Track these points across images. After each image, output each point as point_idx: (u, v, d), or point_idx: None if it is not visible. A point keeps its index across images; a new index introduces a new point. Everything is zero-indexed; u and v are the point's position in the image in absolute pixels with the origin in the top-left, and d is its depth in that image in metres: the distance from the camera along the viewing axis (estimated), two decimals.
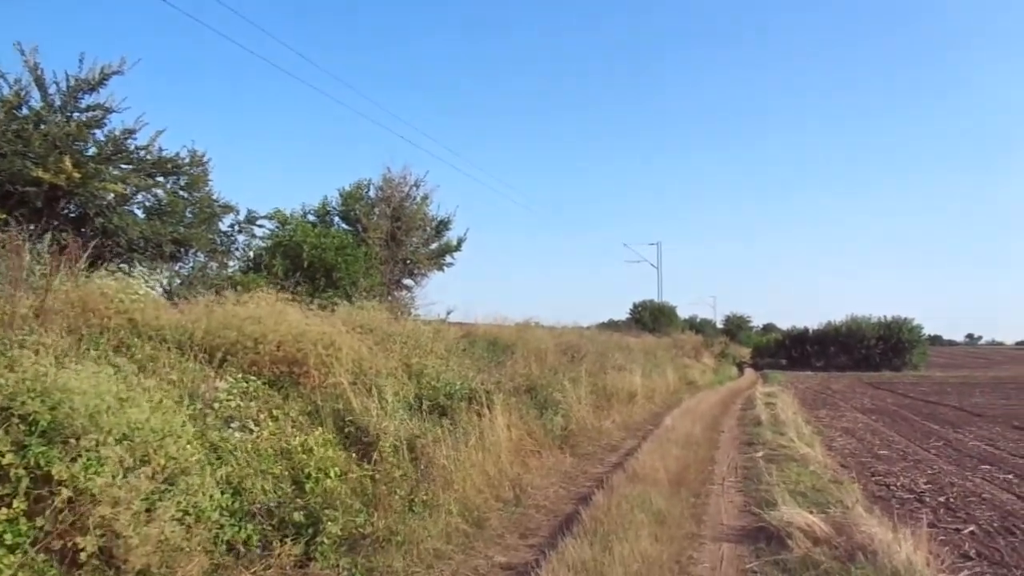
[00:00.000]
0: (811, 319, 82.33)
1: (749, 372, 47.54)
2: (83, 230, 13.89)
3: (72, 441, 3.71)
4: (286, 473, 5.38)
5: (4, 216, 10.64)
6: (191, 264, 17.27)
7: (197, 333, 7.01)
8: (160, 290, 16.16)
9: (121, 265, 7.30)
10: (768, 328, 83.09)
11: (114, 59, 13.43)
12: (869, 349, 48.62)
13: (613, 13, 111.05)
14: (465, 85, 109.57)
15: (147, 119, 14.11)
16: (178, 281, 16.45)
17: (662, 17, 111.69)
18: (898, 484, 9.56)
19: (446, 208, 23.86)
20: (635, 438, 13.03)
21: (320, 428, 6.52)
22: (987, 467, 10.60)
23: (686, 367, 33.16)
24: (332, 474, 5.58)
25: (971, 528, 7.13)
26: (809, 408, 20.87)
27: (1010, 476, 9.86)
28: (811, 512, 6.72)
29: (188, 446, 4.49)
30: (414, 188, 23.03)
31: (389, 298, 20.00)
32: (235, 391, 6.22)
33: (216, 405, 5.80)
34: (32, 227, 11.44)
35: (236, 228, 18.57)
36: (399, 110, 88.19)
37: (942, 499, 8.54)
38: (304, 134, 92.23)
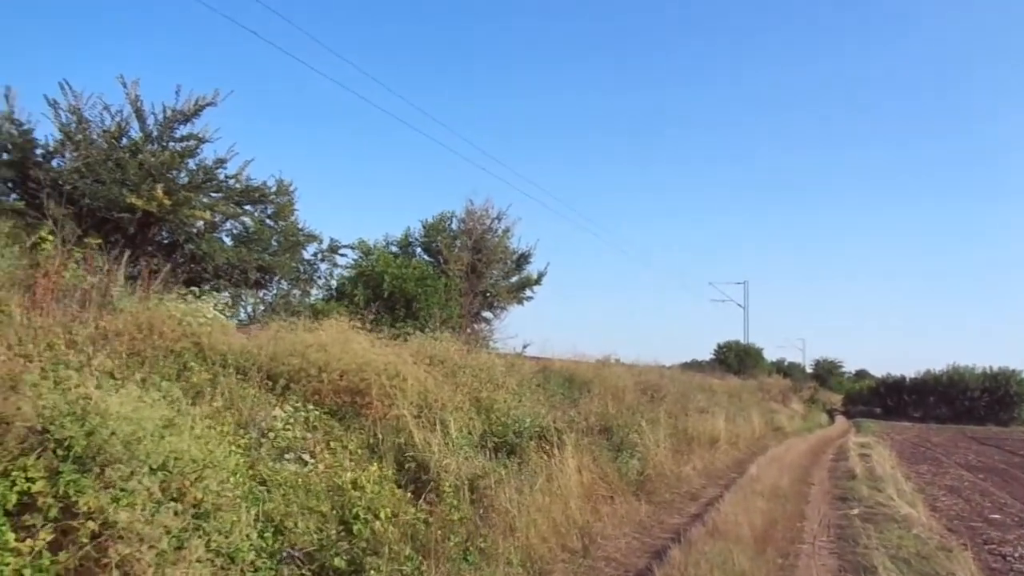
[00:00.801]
0: (907, 366, 77.43)
1: (840, 420, 45.07)
2: (174, 256, 14.37)
3: (106, 469, 3.50)
4: (334, 512, 5.07)
5: (100, 240, 11.02)
6: (275, 291, 17.65)
7: (262, 358, 6.90)
8: (244, 316, 16.59)
9: (192, 288, 7.25)
10: (861, 374, 78.93)
11: (208, 91, 13.91)
12: (973, 401, 45.43)
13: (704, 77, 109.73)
14: (552, 121, 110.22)
15: (238, 149, 14.54)
16: (262, 308, 16.83)
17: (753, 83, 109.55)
18: (1016, 555, 8.53)
19: (527, 241, 23.70)
20: (717, 487, 12.21)
21: (378, 463, 6.22)
22: None
23: (772, 412, 31.58)
24: (383, 515, 5.23)
25: None
26: (908, 462, 19.40)
27: None
28: None
29: (232, 478, 4.25)
30: (496, 221, 22.98)
31: (468, 330, 19.88)
32: (294, 420, 6.02)
33: (271, 434, 5.59)
34: (127, 252, 11.88)
35: (319, 257, 18.93)
36: (485, 143, 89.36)
37: None
38: (392, 166, 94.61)
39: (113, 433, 3.60)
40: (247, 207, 16.08)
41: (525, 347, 19.82)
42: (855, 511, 10.35)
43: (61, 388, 3.88)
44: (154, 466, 3.70)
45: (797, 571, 7.14)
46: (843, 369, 79.70)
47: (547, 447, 8.60)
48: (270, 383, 6.66)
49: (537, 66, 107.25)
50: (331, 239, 18.82)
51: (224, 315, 7.22)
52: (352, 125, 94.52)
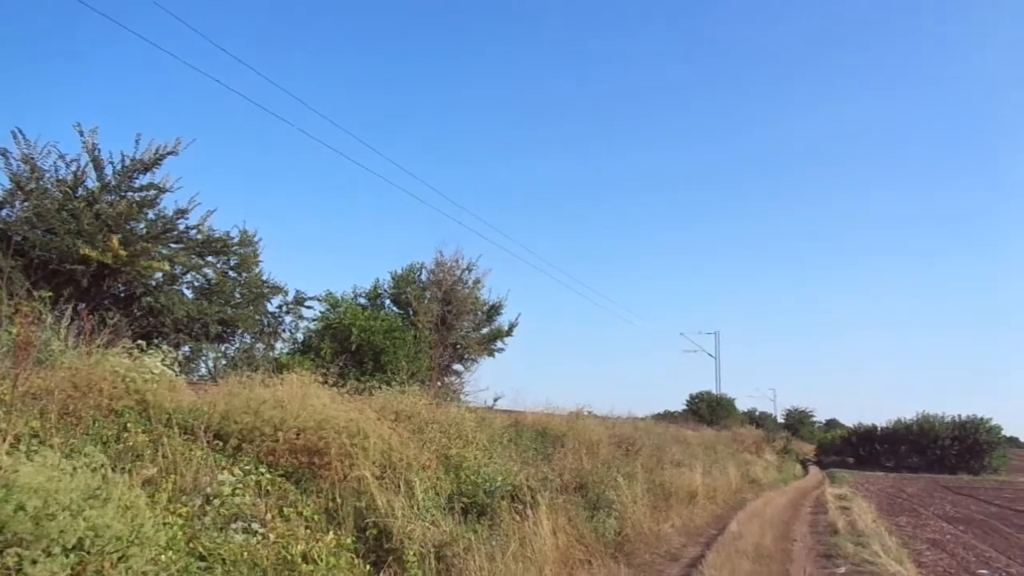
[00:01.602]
0: (877, 415, 77.77)
1: (814, 470, 44.73)
2: (131, 309, 13.79)
3: (5, 552, 3.02)
4: None
5: (50, 294, 10.47)
6: (237, 345, 17.07)
7: (213, 417, 6.42)
8: (205, 371, 15.95)
9: (138, 341, 6.77)
10: (832, 424, 79.26)
11: (170, 139, 13.60)
12: (944, 449, 45.43)
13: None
14: (520, 169, 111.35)
15: (200, 199, 14.18)
16: (223, 362, 16.21)
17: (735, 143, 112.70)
18: None
19: (498, 292, 23.43)
20: (697, 545, 11.71)
21: (335, 530, 5.70)
22: None
23: (747, 463, 31.14)
24: None
25: None
26: (887, 514, 19.06)
27: None
28: None
29: (164, 555, 3.76)
30: (466, 272, 22.70)
31: (438, 383, 19.36)
32: (244, 484, 5.51)
33: (217, 501, 5.08)
34: (77, 305, 11.32)
35: (284, 309, 18.45)
36: (454, 194, 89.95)
37: None
38: (361, 217, 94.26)
39: (20, 508, 3.12)
40: (209, 258, 15.64)
41: (496, 400, 19.39)
42: (842, 570, 9.95)
43: None
44: (68, 546, 3.21)
45: None
46: (814, 418, 79.95)
47: (520, 507, 8.10)
48: (220, 443, 6.18)
49: (509, 124, 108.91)
50: (297, 291, 18.39)
51: (173, 370, 6.71)
52: (320, 175, 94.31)
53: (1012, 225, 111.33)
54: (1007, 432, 51.72)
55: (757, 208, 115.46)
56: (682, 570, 9.57)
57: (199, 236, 14.75)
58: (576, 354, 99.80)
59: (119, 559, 3.40)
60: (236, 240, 15.98)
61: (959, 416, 46.94)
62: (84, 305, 11.40)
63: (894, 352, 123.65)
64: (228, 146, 75.00)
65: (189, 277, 15.39)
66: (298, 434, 6.49)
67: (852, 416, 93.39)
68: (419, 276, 22.54)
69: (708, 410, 48.20)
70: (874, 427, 52.76)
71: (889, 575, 9.46)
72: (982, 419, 45.95)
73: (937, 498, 25.62)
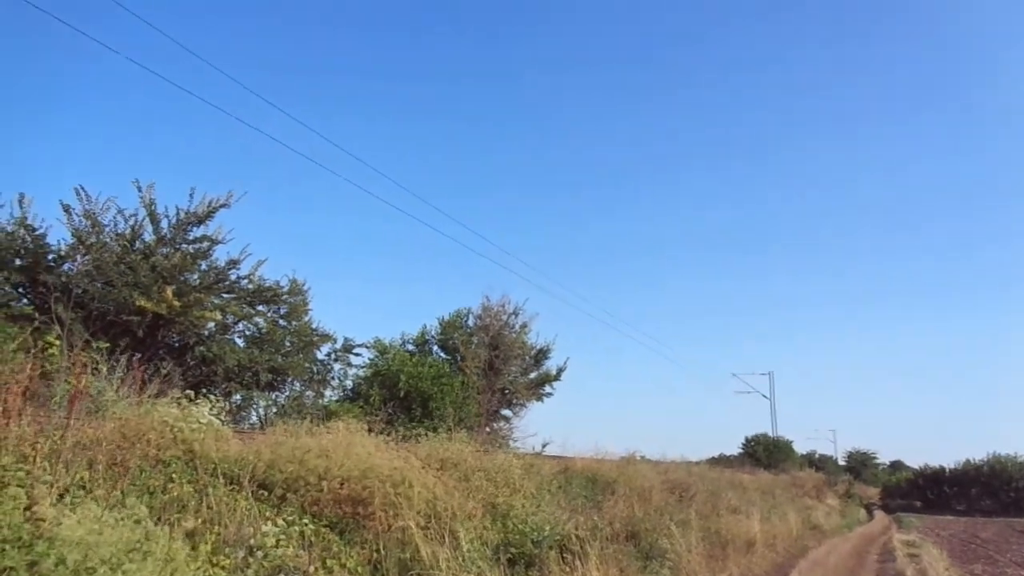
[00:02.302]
0: (944, 456, 74.21)
1: (879, 515, 42.85)
2: (184, 358, 14.09)
3: None
4: None
5: (107, 344, 10.78)
6: (287, 393, 17.25)
7: (258, 466, 6.42)
8: (255, 419, 16.14)
9: (187, 391, 6.85)
10: (896, 466, 75.81)
11: (222, 191, 14.01)
12: (1019, 491, 43.12)
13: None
14: (568, 215, 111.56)
15: (251, 249, 14.52)
16: (274, 410, 16.38)
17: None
18: None
19: (545, 337, 23.30)
20: None
21: None
22: None
23: (808, 509, 29.94)
24: None
25: None
26: (960, 562, 18.01)
27: None
28: None
29: None
30: (513, 316, 22.70)
31: (487, 429, 19.21)
32: (287, 536, 5.46)
33: (260, 553, 5.03)
34: (131, 356, 11.59)
35: (333, 357, 18.62)
36: (501, 238, 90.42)
37: None
38: (409, 264, 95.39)
39: (61, 561, 3.13)
40: (260, 307, 15.94)
41: (545, 446, 19.16)
42: None
43: (7, 508, 3.43)
44: None
45: None
46: (877, 460, 76.69)
47: (569, 558, 7.87)
48: (265, 493, 6.16)
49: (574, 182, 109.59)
50: (345, 338, 18.58)
51: (220, 419, 6.77)
52: (368, 222, 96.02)
53: None
54: None
55: (812, 255, 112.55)
56: None
57: (250, 286, 15.08)
58: (627, 398, 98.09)
59: None
60: (286, 289, 16.30)
61: None
62: (139, 355, 11.69)
63: (960, 390, 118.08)
64: (274, 194, 76.96)
65: (240, 326, 15.69)
66: (342, 483, 6.45)
67: (917, 457, 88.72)
68: (466, 321, 22.63)
69: (765, 453, 46.70)
70: (942, 469, 50.43)
71: None
72: None
73: (1014, 543, 24.14)
